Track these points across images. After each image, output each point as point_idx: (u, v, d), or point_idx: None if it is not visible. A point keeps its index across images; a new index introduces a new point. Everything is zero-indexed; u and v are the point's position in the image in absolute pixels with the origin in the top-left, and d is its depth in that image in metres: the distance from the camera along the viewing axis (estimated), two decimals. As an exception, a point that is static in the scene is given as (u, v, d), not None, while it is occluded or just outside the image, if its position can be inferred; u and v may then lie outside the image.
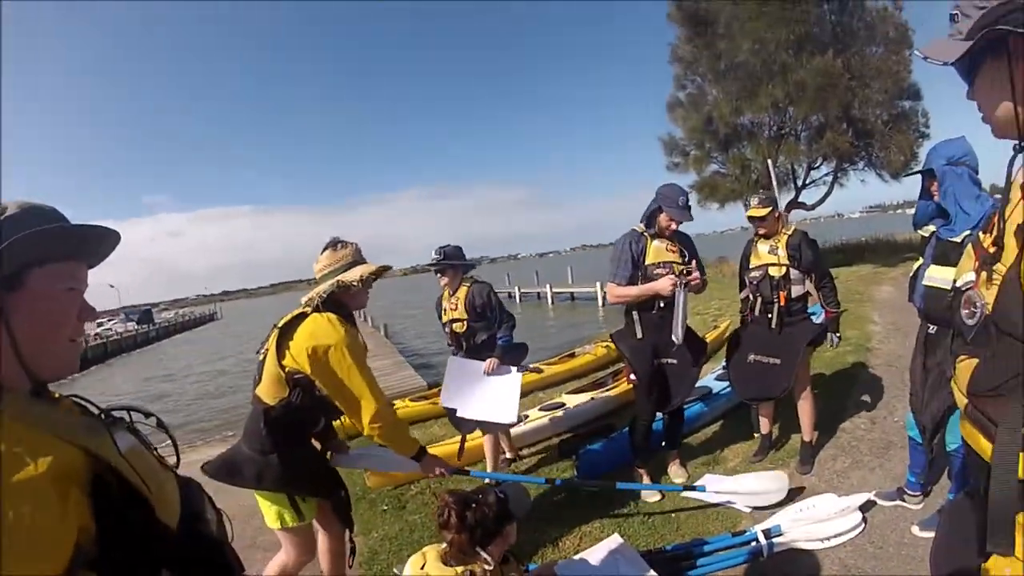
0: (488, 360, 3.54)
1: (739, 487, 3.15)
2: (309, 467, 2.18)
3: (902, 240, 17.57)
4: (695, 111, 15.87)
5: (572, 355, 7.69)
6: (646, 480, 3.49)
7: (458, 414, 3.49)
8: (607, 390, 5.26)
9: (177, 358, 28.21)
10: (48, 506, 0.73)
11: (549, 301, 27.46)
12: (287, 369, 2.02)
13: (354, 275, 2.12)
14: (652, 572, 2.42)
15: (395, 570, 2.02)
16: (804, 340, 3.37)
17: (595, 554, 2.64)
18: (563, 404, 5.18)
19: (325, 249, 2.20)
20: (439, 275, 3.75)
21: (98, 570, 0.78)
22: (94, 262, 1.01)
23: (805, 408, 3.53)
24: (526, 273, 40.76)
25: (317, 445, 2.31)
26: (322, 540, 2.32)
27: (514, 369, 3.56)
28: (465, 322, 3.72)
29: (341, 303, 2.12)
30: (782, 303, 3.37)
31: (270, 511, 2.12)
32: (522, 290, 31.52)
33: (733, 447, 4.00)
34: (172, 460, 1.08)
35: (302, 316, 2.08)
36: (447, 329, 3.83)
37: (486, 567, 1.73)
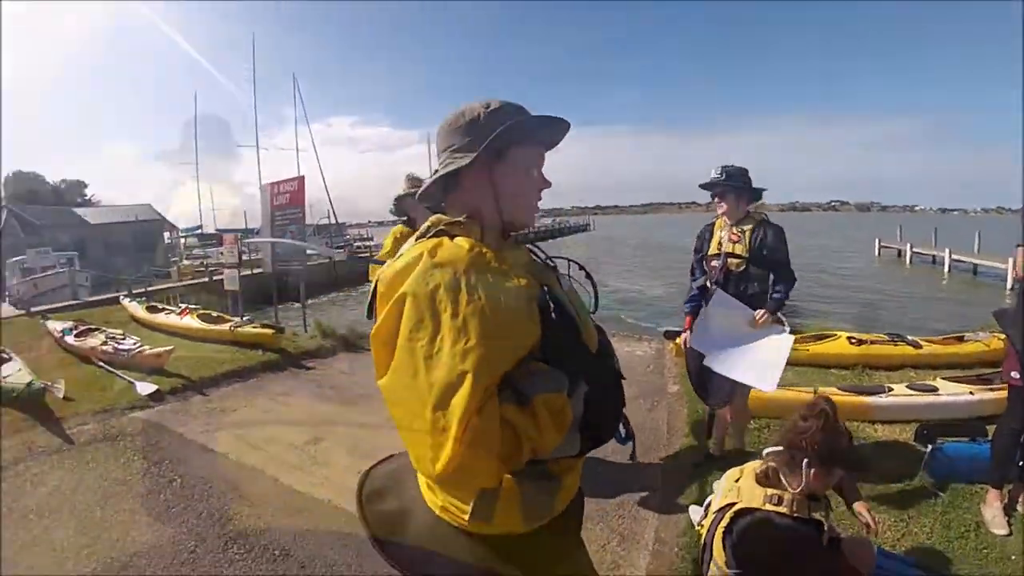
0: (761, 311, 3.04)
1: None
2: None
3: None
4: None
5: (960, 339, 6.38)
6: (996, 504, 2.79)
7: (707, 362, 3.08)
8: (992, 389, 4.36)
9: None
10: (525, 304, 1.04)
11: (945, 268, 23.19)
12: None
13: None
14: None
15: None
16: None
17: None
18: (935, 388, 4.53)
19: None
20: (716, 200, 3.20)
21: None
22: (550, 146, 1.27)
23: None
24: (922, 230, 34.12)
25: None
26: None
27: (787, 330, 3.06)
28: (745, 262, 3.10)
29: None
30: None
31: None
32: (914, 249, 27.44)
33: None
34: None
35: None
36: (712, 263, 3.20)
37: (794, 492, 1.71)
